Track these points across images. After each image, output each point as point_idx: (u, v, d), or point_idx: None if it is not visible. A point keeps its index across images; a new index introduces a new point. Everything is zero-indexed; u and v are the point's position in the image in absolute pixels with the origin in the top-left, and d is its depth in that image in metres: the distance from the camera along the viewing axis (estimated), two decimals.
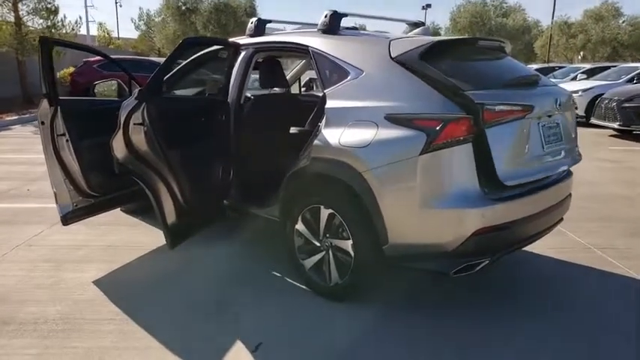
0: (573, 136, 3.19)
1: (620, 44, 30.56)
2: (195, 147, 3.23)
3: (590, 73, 14.25)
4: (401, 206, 2.62)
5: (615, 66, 14.60)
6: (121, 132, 2.84)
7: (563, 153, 3.01)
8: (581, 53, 31.86)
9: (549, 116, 2.89)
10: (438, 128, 2.50)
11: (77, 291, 3.07)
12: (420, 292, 3.13)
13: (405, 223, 2.63)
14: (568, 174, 3.21)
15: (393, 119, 2.62)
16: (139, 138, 2.84)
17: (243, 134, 3.64)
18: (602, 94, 10.60)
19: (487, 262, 2.66)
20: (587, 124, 10.62)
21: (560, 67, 17.66)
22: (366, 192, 2.67)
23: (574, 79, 14.29)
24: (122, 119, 2.83)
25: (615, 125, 9.85)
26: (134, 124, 2.82)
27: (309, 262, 3.08)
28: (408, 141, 2.56)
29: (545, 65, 20.66)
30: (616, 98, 9.90)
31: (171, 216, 3.07)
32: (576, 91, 11.37)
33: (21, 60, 14.85)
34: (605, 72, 13.50)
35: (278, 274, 3.33)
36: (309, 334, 2.64)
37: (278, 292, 3.09)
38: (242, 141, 3.64)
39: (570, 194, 3.24)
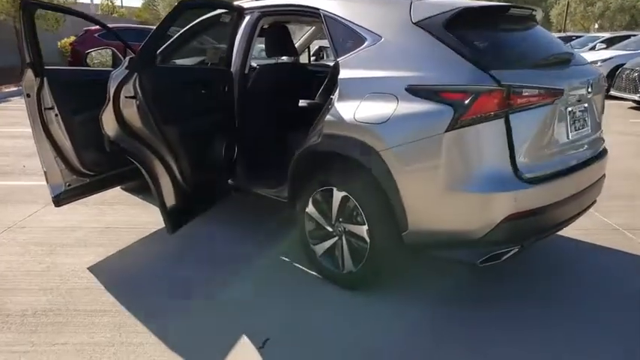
0: (598, 121, 2.90)
1: (639, 12, 29.51)
2: (195, 122, 2.95)
3: (609, 43, 13.64)
4: (423, 189, 2.35)
5: (635, 35, 13.97)
6: (110, 106, 2.56)
7: (588, 141, 2.73)
8: (598, 22, 30.85)
9: (579, 101, 2.59)
10: (467, 102, 2.21)
11: (71, 278, 2.85)
12: (439, 278, 2.88)
13: (428, 207, 2.37)
14: (603, 152, 2.92)
15: (416, 91, 2.33)
16: (131, 112, 2.56)
17: (247, 107, 3.35)
18: (623, 65, 10.13)
19: (516, 250, 2.41)
20: (607, 96, 10.15)
21: (578, 37, 16.97)
22: (383, 173, 2.40)
23: (592, 48, 13.72)
24: (111, 92, 2.54)
25: (636, 97, 9.42)
26: (125, 97, 2.53)
27: (321, 248, 2.84)
28: (433, 116, 2.27)
29: (562, 34, 19.92)
30: (638, 69, 9.44)
31: (170, 198, 2.82)
32: (595, 62, 10.88)
33: (19, 28, 14.43)
34: (625, 41, 12.91)
35: (287, 260, 3.09)
36: (321, 328, 2.42)
37: (288, 280, 2.85)
38: (247, 115, 3.35)
39: (604, 175, 2.96)
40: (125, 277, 2.87)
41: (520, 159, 2.29)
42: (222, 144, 3.18)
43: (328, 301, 2.64)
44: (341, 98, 2.59)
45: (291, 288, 2.78)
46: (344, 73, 2.62)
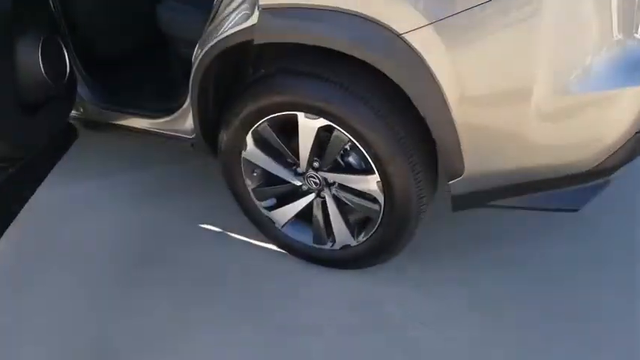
0: None
1: None
2: None
3: None
4: (499, 102, 1.20)
5: None
6: None
7: None
8: None
9: None
10: None
11: None
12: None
13: (506, 134, 1.24)
14: None
15: None
16: None
17: None
18: None
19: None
20: None
21: None
22: (414, 76, 1.18)
23: None
24: None
25: None
26: None
27: (284, 215, 1.63)
28: None
29: None
30: None
31: None
32: None
33: None
34: None
35: (216, 230, 1.85)
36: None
37: (223, 271, 1.68)
38: None
39: None
40: None
41: None
42: (34, 47, 1.57)
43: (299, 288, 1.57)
44: None
45: (235, 282, 1.63)
46: None
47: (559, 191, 1.33)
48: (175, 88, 1.69)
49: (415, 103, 1.22)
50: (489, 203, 1.39)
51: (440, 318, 1.50)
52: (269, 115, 1.43)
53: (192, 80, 1.50)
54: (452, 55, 1.15)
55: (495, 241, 1.73)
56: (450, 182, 1.32)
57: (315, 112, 1.35)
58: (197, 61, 1.43)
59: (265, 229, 1.70)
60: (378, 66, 1.21)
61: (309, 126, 1.39)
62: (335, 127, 1.36)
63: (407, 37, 1.14)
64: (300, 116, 1.39)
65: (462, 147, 1.25)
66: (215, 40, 1.37)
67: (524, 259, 1.67)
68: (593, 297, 1.54)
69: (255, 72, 1.55)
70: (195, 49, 1.46)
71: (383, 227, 1.47)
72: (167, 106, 1.70)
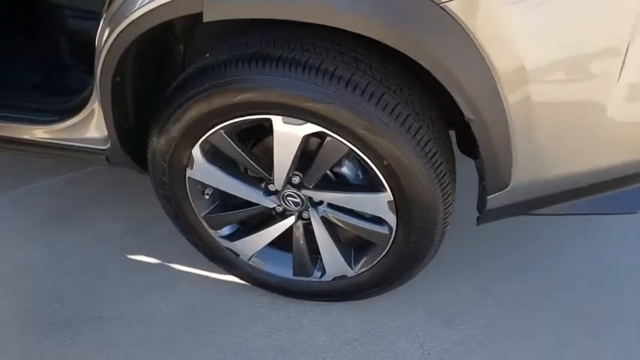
0: None
1: None
2: None
3: None
4: (572, 82, 0.87)
5: None
6: None
7: None
8: None
9: None
10: None
11: None
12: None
13: (578, 123, 0.91)
14: None
15: None
16: None
17: None
18: None
19: None
20: None
21: None
22: (456, 61, 0.82)
23: None
24: None
25: None
26: None
27: (251, 245, 1.21)
28: None
29: None
30: None
31: None
32: None
33: None
34: None
35: (153, 261, 1.39)
36: None
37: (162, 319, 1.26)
38: None
39: None
40: None
41: None
42: None
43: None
44: None
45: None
46: None
47: (616, 193, 1.05)
48: (69, 79, 1.16)
49: (457, 98, 0.85)
50: (531, 212, 1.08)
51: (458, 351, 1.22)
52: (226, 120, 0.98)
53: (101, 72, 0.99)
54: (513, 24, 0.78)
55: (507, 245, 1.46)
56: (489, 196, 0.99)
57: (300, 114, 0.93)
58: (106, 48, 0.92)
59: (225, 263, 1.27)
60: (402, 48, 0.81)
61: (290, 133, 0.96)
62: (328, 134, 0.95)
63: (450, 5, 0.75)
64: (277, 121, 0.95)
65: (513, 154, 0.91)
66: (130, 19, 0.87)
67: (543, 265, 1.42)
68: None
69: (191, 57, 1.08)
70: (99, 28, 0.94)
71: (394, 255, 1.11)
72: (61, 106, 1.17)
